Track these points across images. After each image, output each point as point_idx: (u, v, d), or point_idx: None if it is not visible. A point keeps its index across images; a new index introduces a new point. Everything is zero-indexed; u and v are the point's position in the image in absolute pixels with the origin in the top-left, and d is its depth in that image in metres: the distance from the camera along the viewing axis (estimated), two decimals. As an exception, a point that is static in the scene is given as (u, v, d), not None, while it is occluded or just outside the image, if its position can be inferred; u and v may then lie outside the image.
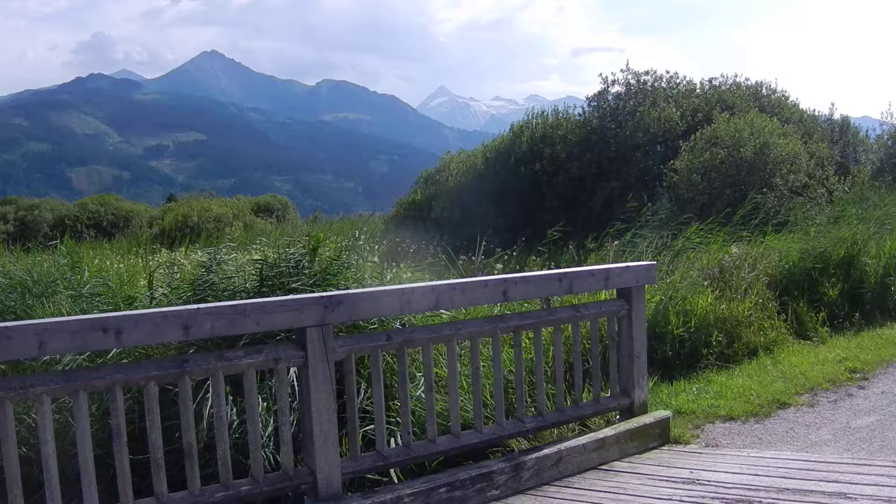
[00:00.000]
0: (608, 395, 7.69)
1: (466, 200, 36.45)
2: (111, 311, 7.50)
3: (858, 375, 10.07)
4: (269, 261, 8.57)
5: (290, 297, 6.06)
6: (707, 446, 7.69)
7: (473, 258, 13.96)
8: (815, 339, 11.95)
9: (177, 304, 7.80)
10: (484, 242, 13.47)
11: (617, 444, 7.13)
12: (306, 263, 8.47)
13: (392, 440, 6.66)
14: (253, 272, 8.45)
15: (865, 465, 6.72)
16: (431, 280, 9.38)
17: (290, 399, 5.85)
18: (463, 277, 8.77)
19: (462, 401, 6.99)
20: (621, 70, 37.24)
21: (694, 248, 13.49)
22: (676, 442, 7.71)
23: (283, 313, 5.45)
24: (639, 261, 9.18)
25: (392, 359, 7.11)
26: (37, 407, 4.68)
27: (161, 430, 5.06)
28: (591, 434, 7.17)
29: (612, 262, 10.98)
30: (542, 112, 40.09)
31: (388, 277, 9.45)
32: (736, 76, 36.78)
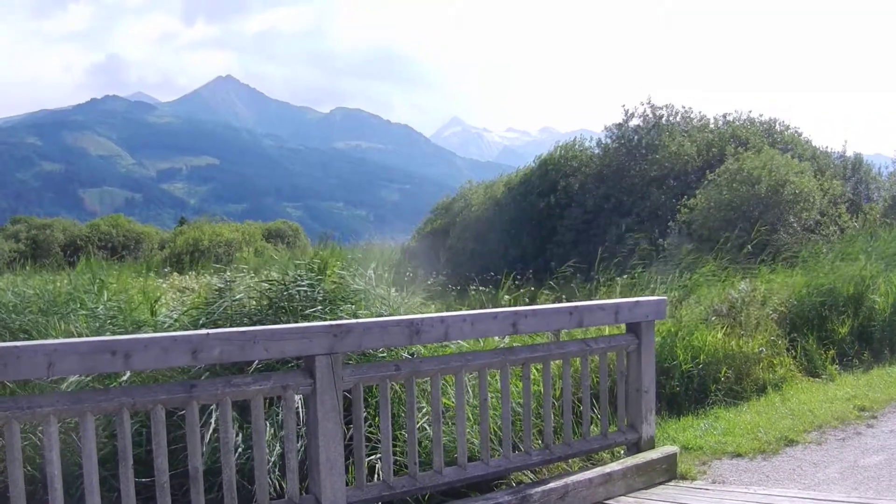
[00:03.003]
0: (616, 429, 7.68)
1: (483, 230, 36.58)
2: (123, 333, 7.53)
3: (867, 414, 10.02)
4: (280, 285, 8.57)
5: (300, 324, 6.05)
6: (714, 483, 7.65)
7: (485, 289, 13.95)
8: (824, 376, 11.90)
9: (188, 328, 7.80)
10: (492, 274, 13.46)
11: (623, 478, 7.11)
12: (316, 288, 8.46)
13: (398, 470, 6.65)
14: (264, 298, 8.45)
15: (873, 504, 6.71)
16: (442, 310, 9.38)
17: (296, 426, 5.84)
18: (473, 309, 8.76)
19: (468, 433, 6.98)
20: (642, 103, 37.47)
21: (707, 284, 13.48)
22: (683, 478, 7.67)
23: (293, 341, 5.45)
24: (649, 296, 9.17)
25: (400, 388, 7.10)
26: (44, 427, 4.68)
27: (167, 453, 5.05)
28: (598, 468, 7.15)
29: (620, 297, 10.97)
30: (564, 144, 40.33)
31: (400, 307, 9.43)
32: (750, 112, 36.91)
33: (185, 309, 8.91)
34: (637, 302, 7.66)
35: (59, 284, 10.25)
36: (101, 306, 9.11)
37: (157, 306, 9.35)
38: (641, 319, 7.57)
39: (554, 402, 7.43)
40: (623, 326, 7.86)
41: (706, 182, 27.48)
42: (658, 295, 10.64)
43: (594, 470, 7.09)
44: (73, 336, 7.95)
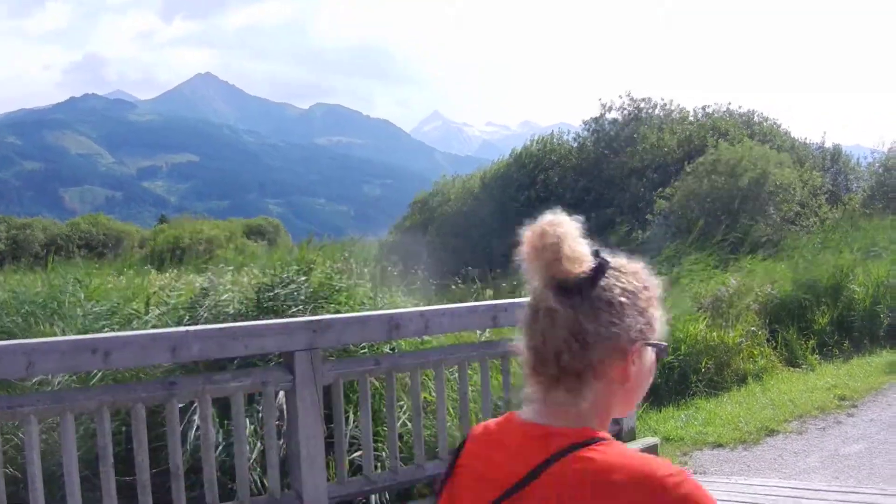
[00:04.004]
0: (596, 421, 7.68)
1: (462, 225, 36.58)
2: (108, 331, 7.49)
3: (847, 403, 10.09)
4: (263, 283, 8.55)
5: (279, 320, 6.09)
6: (695, 473, 7.65)
7: (465, 284, 13.93)
8: (804, 366, 11.98)
9: (172, 326, 7.78)
10: (473, 268, 13.43)
11: (605, 470, 7.12)
12: (300, 286, 8.45)
13: (379, 465, 6.64)
14: (246, 295, 8.43)
15: (853, 492, 6.74)
16: (422, 305, 9.38)
17: (277, 423, 5.83)
18: (454, 303, 8.76)
19: (450, 426, 6.98)
20: (619, 96, 37.59)
21: (688, 275, 13.51)
22: (664, 469, 7.70)
23: (272, 337, 5.46)
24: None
25: (381, 383, 7.11)
26: (24, 427, 4.67)
27: (148, 451, 5.05)
28: (580, 460, 7.16)
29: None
30: (541, 138, 40.32)
31: (381, 302, 9.42)
32: (729, 104, 36.98)
33: (168, 308, 8.87)
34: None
35: (44, 284, 10.20)
36: (79, 308, 9.06)
37: (137, 304, 9.30)
38: (624, 310, 7.58)
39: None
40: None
41: (684, 173, 27.53)
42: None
43: (575, 462, 7.09)
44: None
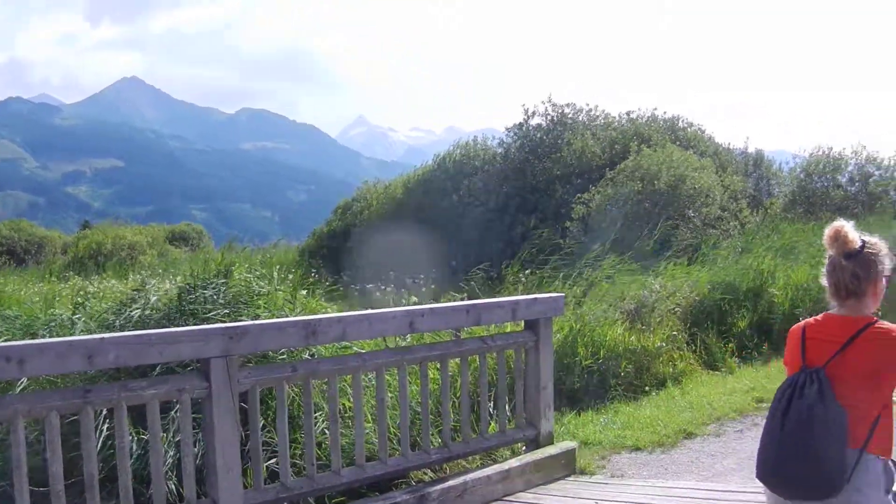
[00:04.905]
0: (514, 426, 7.75)
1: (384, 231, 36.53)
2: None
3: (765, 405, 10.14)
4: (184, 286, 8.54)
5: (196, 327, 6.07)
6: (613, 477, 7.78)
7: (387, 289, 13.96)
8: (723, 369, 12.14)
9: (94, 333, 7.73)
10: (396, 274, 13.47)
11: (522, 475, 7.19)
12: (220, 291, 8.44)
13: (297, 472, 6.65)
14: (167, 301, 8.41)
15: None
16: (342, 311, 9.38)
17: (194, 430, 5.82)
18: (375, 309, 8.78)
19: (368, 433, 7.01)
20: (542, 102, 37.61)
21: (609, 280, 13.63)
22: (582, 472, 7.78)
23: (188, 343, 5.44)
24: (549, 293, 9.26)
25: (299, 390, 7.11)
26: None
27: (62, 460, 5.02)
28: (497, 465, 7.23)
29: (521, 294, 11.04)
30: (465, 143, 40.36)
31: (299, 308, 9.42)
32: (655, 110, 37.26)
33: (88, 314, 8.82)
34: (535, 299, 7.76)
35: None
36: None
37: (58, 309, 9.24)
38: (539, 316, 7.66)
39: (455, 401, 7.49)
40: (522, 324, 7.95)
41: (605, 179, 27.72)
42: (559, 292, 10.74)
43: (493, 467, 7.16)
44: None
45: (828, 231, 3.95)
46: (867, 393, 3.74)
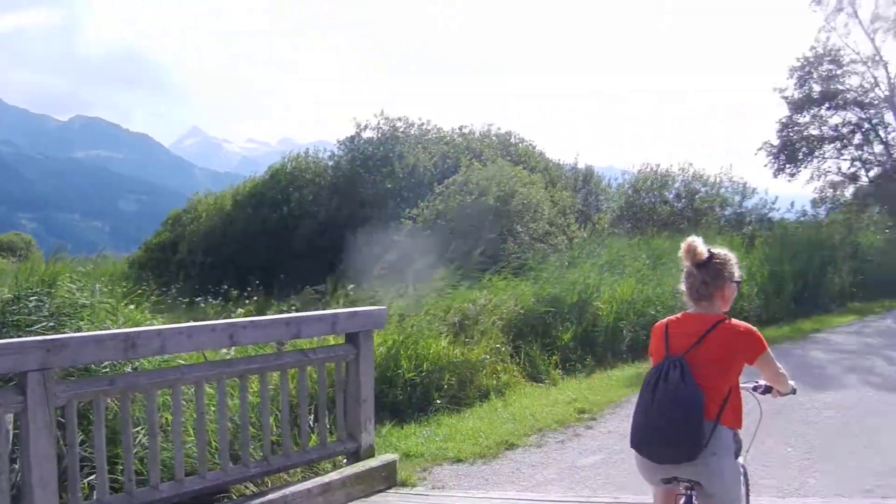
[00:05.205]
0: (335, 439, 7.74)
1: (214, 243, 36.19)
2: None
3: (587, 416, 10.42)
4: (8, 299, 8.32)
5: (13, 340, 5.91)
6: (434, 488, 7.82)
7: (215, 301, 13.83)
8: (546, 381, 12.31)
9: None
10: (224, 287, 13.36)
11: (343, 487, 7.20)
12: (44, 302, 8.25)
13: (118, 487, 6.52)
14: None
15: (587, 501, 7.05)
16: (168, 324, 9.26)
17: (9, 447, 5.67)
18: (199, 321, 8.67)
19: (189, 447, 6.92)
20: (374, 115, 37.65)
21: (437, 293, 13.70)
22: (403, 485, 7.81)
23: (5, 357, 5.31)
24: (369, 306, 9.27)
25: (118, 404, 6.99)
26: None
27: None
28: (317, 479, 7.22)
29: (343, 307, 11.03)
30: (297, 155, 40.21)
31: (122, 321, 9.25)
32: (490, 125, 37.67)
33: None
34: (355, 312, 7.78)
35: None
36: None
37: None
38: (360, 329, 7.68)
39: (277, 414, 7.44)
40: (343, 337, 7.94)
41: (433, 194, 27.87)
42: (383, 305, 10.77)
43: (313, 480, 7.16)
44: None
45: (682, 245, 4.70)
46: (719, 376, 4.48)
